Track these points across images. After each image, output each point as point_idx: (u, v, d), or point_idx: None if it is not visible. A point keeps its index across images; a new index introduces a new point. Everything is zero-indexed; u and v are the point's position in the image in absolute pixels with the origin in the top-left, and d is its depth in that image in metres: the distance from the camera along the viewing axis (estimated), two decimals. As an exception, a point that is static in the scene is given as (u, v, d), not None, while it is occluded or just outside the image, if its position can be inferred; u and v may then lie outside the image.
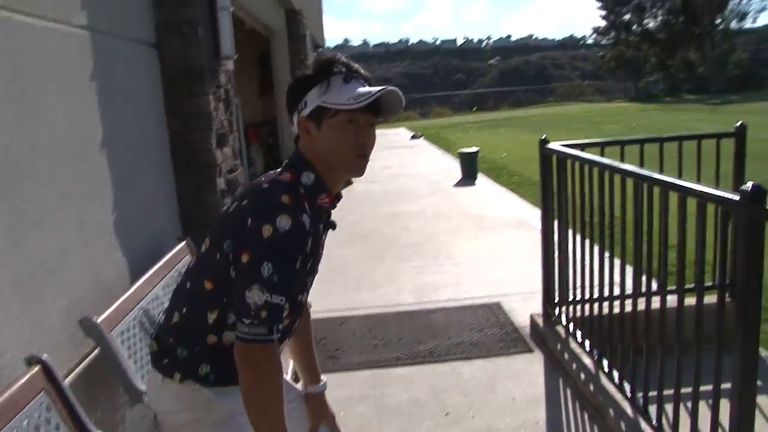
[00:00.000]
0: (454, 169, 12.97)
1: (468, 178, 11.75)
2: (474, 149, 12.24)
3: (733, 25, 54.44)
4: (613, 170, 3.32)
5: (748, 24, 55.78)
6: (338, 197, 1.80)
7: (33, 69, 2.46)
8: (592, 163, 3.61)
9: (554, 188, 4.20)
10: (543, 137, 4.20)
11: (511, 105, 52.23)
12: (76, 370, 2.53)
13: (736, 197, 2.19)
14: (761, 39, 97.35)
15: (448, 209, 9.04)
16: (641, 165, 4.15)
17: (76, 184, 2.75)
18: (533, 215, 8.32)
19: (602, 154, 4.07)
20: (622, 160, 4.13)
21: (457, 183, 11.48)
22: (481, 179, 11.85)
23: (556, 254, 4.27)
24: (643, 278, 3.40)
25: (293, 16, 12.02)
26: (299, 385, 2.11)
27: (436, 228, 7.87)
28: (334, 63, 1.67)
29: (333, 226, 1.82)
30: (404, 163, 14.94)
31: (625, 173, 3.19)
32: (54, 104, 2.61)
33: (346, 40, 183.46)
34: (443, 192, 10.59)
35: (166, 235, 3.90)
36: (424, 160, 15.59)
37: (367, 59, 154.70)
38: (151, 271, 3.25)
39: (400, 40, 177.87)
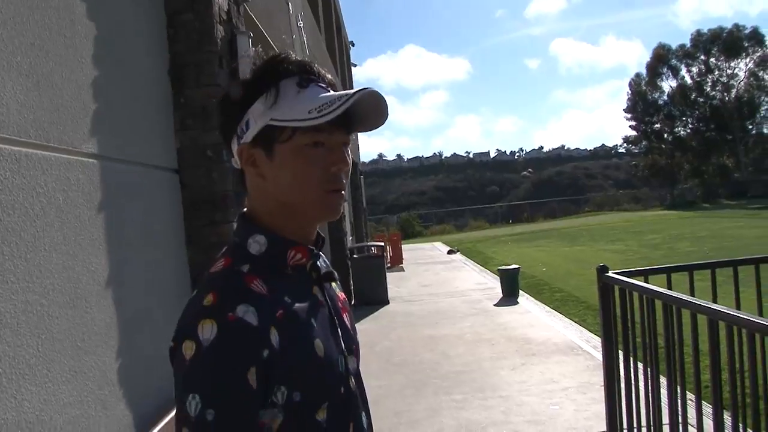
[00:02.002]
0: (494, 286, 12.51)
1: (509, 296, 11.24)
2: (514, 267, 11.81)
3: (766, 129, 54.51)
4: (694, 307, 2.86)
5: (780, 128, 55.73)
6: (318, 241, 1.28)
7: (23, 202, 2.15)
8: (660, 297, 3.17)
9: (616, 319, 3.74)
10: (602, 265, 3.76)
11: (546, 216, 52.00)
12: None
13: None
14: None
15: (490, 332, 8.50)
16: (714, 293, 3.72)
17: (71, 331, 2.38)
18: (582, 338, 7.76)
19: (669, 281, 3.66)
20: (691, 286, 3.71)
21: (498, 302, 10.96)
22: (523, 297, 11.32)
23: (623, 393, 3.75)
24: (726, 419, 2.93)
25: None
26: None
27: (478, 354, 7.32)
28: (281, 62, 1.17)
29: (332, 278, 1.30)
30: (442, 281, 14.51)
31: (708, 312, 2.73)
32: (48, 241, 2.29)
33: (381, 155, 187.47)
34: (484, 312, 10.07)
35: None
36: (462, 277, 15.14)
37: (401, 173, 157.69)
38: (160, 425, 2.83)
39: (434, 154, 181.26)
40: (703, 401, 3.32)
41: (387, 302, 11.55)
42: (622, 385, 3.77)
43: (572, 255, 19.18)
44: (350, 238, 16.20)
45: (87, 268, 2.58)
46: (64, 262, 2.39)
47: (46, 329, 2.21)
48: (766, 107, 53.64)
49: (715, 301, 3.67)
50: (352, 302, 11.68)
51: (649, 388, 3.51)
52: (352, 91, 1.12)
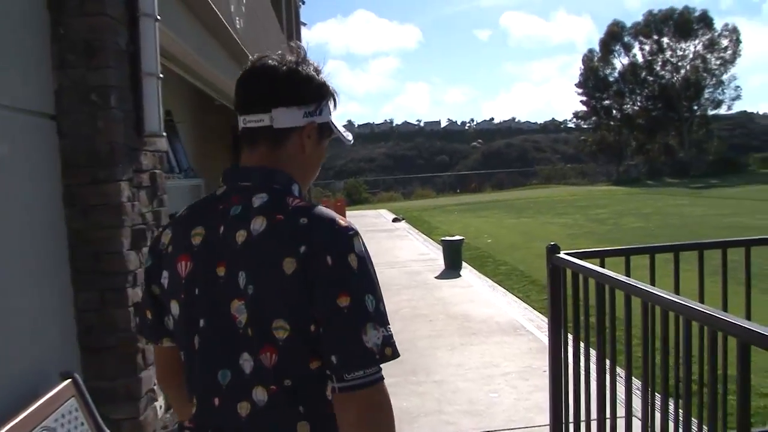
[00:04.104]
0: (436, 257, 12.10)
1: (451, 268, 10.83)
2: (458, 238, 11.40)
3: (710, 111, 55.56)
4: (648, 297, 2.40)
5: (723, 111, 57.03)
6: None
7: None
8: (618, 284, 2.71)
9: (566, 303, 3.28)
10: (552, 244, 3.28)
11: (494, 187, 52.08)
12: None
13: None
14: (736, 125, 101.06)
15: (428, 307, 8.04)
16: (676, 279, 3.30)
17: None
18: (526, 317, 7.39)
19: (628, 263, 3.22)
20: (652, 271, 3.29)
21: (440, 274, 10.54)
22: (466, 269, 10.94)
23: (571, 384, 3.31)
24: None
25: (267, 92, 11.29)
26: None
27: (414, 332, 6.85)
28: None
29: None
30: (383, 250, 14.04)
31: (663, 303, 2.27)
32: None
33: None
34: (424, 285, 9.62)
35: (51, 367, 2.89)
36: (404, 246, 14.71)
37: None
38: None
39: (385, 121, 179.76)
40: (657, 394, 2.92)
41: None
42: (570, 374, 3.33)
43: (518, 227, 18.95)
44: (292, 203, 15.58)
45: None
46: None
47: None
48: (710, 90, 54.50)
49: (676, 290, 3.26)
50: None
51: (603, 379, 3.08)
52: (351, 136, 1.59)
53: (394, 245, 14.95)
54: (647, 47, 55.17)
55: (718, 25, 53.53)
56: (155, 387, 3.47)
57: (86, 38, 3.11)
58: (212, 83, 8.99)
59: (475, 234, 16.67)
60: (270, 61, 1.44)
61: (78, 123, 3.12)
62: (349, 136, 1.56)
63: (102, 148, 3.12)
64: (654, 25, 53.93)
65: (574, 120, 65.78)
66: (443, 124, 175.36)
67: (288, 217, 1.32)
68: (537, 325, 6.92)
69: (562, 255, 3.16)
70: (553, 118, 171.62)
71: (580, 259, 3.16)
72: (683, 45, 53.92)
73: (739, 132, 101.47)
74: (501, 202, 31.15)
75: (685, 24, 52.62)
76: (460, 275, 10.41)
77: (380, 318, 1.26)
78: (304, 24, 24.09)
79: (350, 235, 1.31)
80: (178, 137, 10.07)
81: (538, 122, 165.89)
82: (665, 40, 54.16)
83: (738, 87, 55.11)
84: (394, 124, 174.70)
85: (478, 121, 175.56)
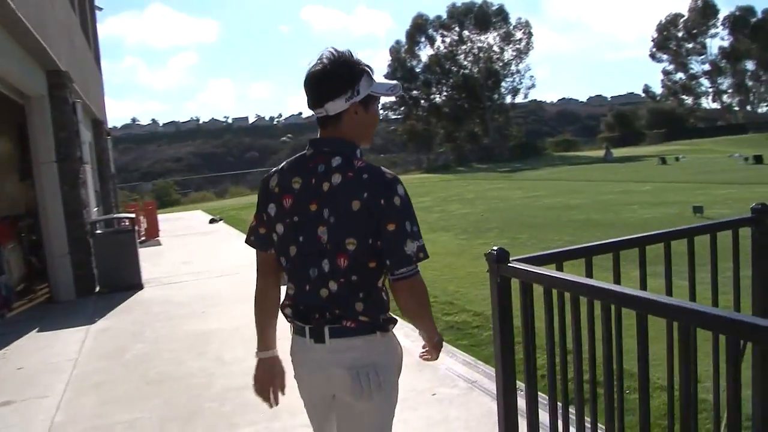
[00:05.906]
0: (268, 260, 10.88)
1: (288, 272, 9.69)
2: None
3: (509, 99, 58.98)
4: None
5: (520, 99, 60.84)
6: None
7: None
8: (624, 300, 1.81)
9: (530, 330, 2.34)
10: (497, 248, 2.30)
11: (308, 181, 51.43)
12: None
13: None
14: (529, 113, 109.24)
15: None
16: (643, 277, 2.49)
17: None
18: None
19: (589, 267, 2.36)
20: (617, 272, 2.46)
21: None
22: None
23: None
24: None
25: (57, 79, 9.44)
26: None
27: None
28: (361, 62, 2.08)
29: None
30: (206, 255, 12.64)
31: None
32: None
33: (134, 119, 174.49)
34: (262, 295, 8.40)
35: None
36: (227, 249, 13.31)
37: (157, 139, 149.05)
38: None
39: (191, 119, 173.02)
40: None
41: (140, 287, 9.46)
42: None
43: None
44: (96, 209, 13.60)
45: None
46: None
47: None
48: (509, 79, 57.81)
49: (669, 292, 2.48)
50: (96, 289, 9.47)
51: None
52: (396, 83, 2.16)
53: (217, 249, 13.55)
54: (449, 39, 57.19)
55: (512, 18, 56.84)
56: None
57: None
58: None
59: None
60: (316, 68, 2.05)
61: None
62: (395, 90, 2.13)
63: None
64: (456, 17, 56.05)
65: (383, 111, 66.82)
66: (251, 120, 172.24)
67: (355, 174, 1.99)
68: (396, 326, 6.03)
69: (515, 264, 2.20)
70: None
71: (535, 265, 2.24)
72: (483, 37, 56.53)
73: (531, 119, 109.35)
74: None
75: (485, 17, 55.19)
76: (298, 279, 9.31)
77: (415, 235, 1.97)
78: (100, 9, 21.70)
79: (394, 182, 1.99)
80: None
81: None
82: (466, 32, 56.49)
83: (532, 76, 59.10)
84: (201, 122, 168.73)
85: (287, 116, 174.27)
